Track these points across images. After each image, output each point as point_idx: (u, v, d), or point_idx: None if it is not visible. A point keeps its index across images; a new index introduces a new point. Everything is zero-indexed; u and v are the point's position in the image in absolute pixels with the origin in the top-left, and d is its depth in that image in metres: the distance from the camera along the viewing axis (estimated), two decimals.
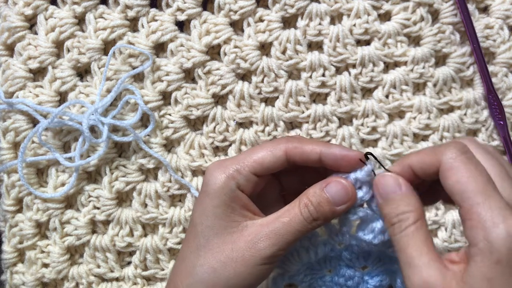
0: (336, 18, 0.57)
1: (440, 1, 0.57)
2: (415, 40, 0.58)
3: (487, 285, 0.34)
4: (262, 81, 0.56)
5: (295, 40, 0.56)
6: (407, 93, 0.57)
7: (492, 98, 0.57)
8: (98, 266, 0.57)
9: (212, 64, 0.56)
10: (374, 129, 0.57)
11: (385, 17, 0.57)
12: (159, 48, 0.57)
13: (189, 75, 0.57)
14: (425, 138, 0.58)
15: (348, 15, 0.56)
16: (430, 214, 0.57)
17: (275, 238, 0.42)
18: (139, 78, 0.56)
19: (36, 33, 0.56)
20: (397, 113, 0.58)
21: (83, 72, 0.57)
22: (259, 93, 0.57)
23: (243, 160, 0.44)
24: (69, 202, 0.57)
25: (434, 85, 0.57)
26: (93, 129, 0.55)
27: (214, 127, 0.57)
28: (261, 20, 0.56)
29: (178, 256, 0.46)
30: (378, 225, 0.43)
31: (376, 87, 0.57)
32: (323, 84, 0.57)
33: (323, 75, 0.57)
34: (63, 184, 0.56)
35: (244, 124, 0.57)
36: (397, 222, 0.39)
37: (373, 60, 0.56)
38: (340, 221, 0.45)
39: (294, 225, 0.42)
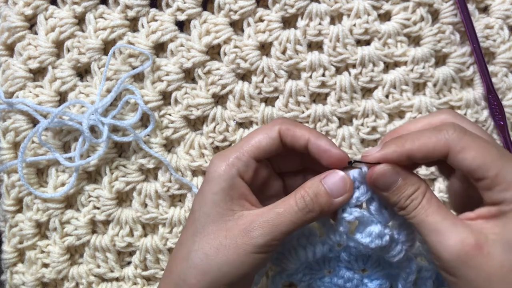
0: (336, 18, 0.57)
1: (440, 1, 0.57)
2: (415, 40, 0.58)
3: None
4: (262, 81, 0.56)
5: (295, 40, 0.56)
6: (407, 93, 0.57)
7: (492, 98, 0.57)
8: (98, 266, 0.57)
9: (212, 64, 0.56)
10: (374, 129, 0.57)
11: (385, 17, 0.57)
12: (159, 48, 0.57)
13: (189, 75, 0.57)
14: None
15: (348, 15, 0.56)
16: None
17: (269, 228, 0.42)
18: (139, 78, 0.56)
19: (36, 33, 0.56)
20: (397, 113, 0.58)
21: (83, 72, 0.57)
22: (259, 93, 0.57)
23: (242, 147, 0.45)
24: (69, 202, 0.57)
25: (434, 85, 0.57)
26: (93, 129, 0.55)
27: (214, 127, 0.57)
28: (261, 20, 0.56)
29: (177, 242, 0.46)
30: (375, 229, 0.43)
31: (376, 87, 0.57)
32: (323, 84, 0.57)
33: (323, 75, 0.57)
34: (63, 184, 0.56)
35: (244, 124, 0.57)
36: (410, 203, 0.40)
37: (373, 60, 0.56)
38: (337, 220, 0.45)
39: (289, 215, 0.42)
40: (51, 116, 0.52)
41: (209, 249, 0.43)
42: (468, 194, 0.43)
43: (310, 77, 0.57)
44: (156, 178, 0.57)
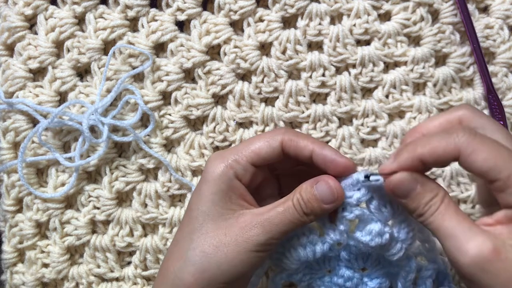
0: (336, 18, 0.57)
1: (440, 1, 0.57)
2: (415, 40, 0.58)
3: None
4: (262, 81, 0.56)
5: (295, 40, 0.56)
6: (407, 93, 0.57)
7: (492, 98, 0.57)
8: (98, 266, 0.57)
9: (212, 64, 0.56)
10: (374, 129, 0.57)
11: (385, 17, 0.57)
12: (159, 48, 0.57)
13: (189, 75, 0.57)
14: None
15: (348, 15, 0.56)
16: None
17: (269, 226, 0.42)
18: (139, 78, 0.56)
19: (36, 33, 0.56)
20: (397, 113, 0.58)
21: (83, 72, 0.57)
22: (259, 93, 0.57)
23: (241, 150, 0.45)
24: (69, 202, 0.57)
25: (434, 85, 0.57)
26: (93, 129, 0.55)
27: (214, 127, 0.57)
28: (261, 20, 0.56)
29: (172, 241, 0.46)
30: (375, 227, 0.43)
31: (376, 87, 0.57)
32: (323, 84, 0.57)
33: (323, 75, 0.57)
34: (63, 184, 0.56)
35: (244, 124, 0.57)
36: (428, 209, 0.40)
37: (373, 60, 0.56)
38: (337, 219, 0.45)
39: (288, 215, 0.42)
40: (51, 116, 0.52)
41: (207, 247, 0.43)
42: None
43: (310, 77, 0.57)
44: (156, 178, 0.57)
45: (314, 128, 0.57)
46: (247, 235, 0.42)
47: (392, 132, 0.57)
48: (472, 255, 0.36)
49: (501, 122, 0.57)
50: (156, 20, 0.56)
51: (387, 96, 0.57)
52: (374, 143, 0.58)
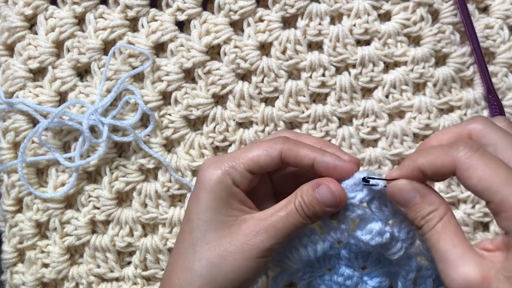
0: (336, 18, 0.57)
1: (440, 1, 0.57)
2: (415, 40, 0.58)
3: None
4: (262, 81, 0.56)
5: (295, 40, 0.56)
6: (407, 93, 0.57)
7: (492, 98, 0.57)
8: (98, 266, 0.57)
9: (212, 64, 0.56)
10: (374, 129, 0.57)
11: (385, 17, 0.57)
12: (159, 48, 0.57)
13: (189, 75, 0.57)
14: (425, 138, 0.58)
15: (348, 15, 0.56)
16: None
17: (274, 232, 0.42)
18: (139, 78, 0.56)
19: (36, 33, 0.56)
20: (397, 113, 0.58)
21: (83, 72, 0.57)
22: (259, 93, 0.57)
23: (238, 157, 0.44)
24: (69, 202, 0.57)
25: (434, 85, 0.57)
26: (93, 129, 0.55)
27: (214, 127, 0.57)
28: (261, 20, 0.56)
29: (173, 251, 0.46)
30: (376, 226, 0.43)
31: (376, 87, 0.57)
32: (323, 84, 0.57)
33: (323, 75, 0.57)
34: (63, 184, 0.56)
35: (244, 124, 0.57)
36: (425, 223, 0.39)
37: (373, 60, 0.56)
38: (338, 218, 0.45)
39: (291, 219, 0.42)
40: (51, 116, 0.52)
41: (213, 258, 0.42)
42: None
43: (310, 77, 0.57)
44: (156, 178, 0.57)
45: (314, 128, 0.57)
46: (252, 242, 0.42)
47: (392, 132, 0.57)
48: (459, 283, 0.36)
49: None
50: (156, 20, 0.56)
51: (387, 96, 0.57)
52: (374, 143, 0.58)
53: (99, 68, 0.56)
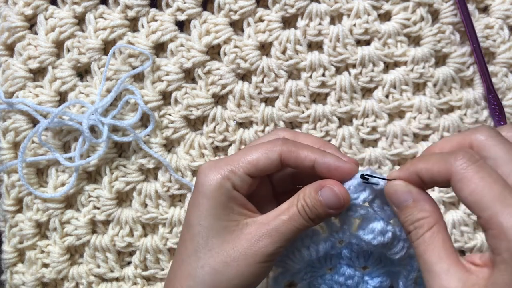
0: (336, 18, 0.57)
1: (440, 1, 0.57)
2: (415, 40, 0.58)
3: None
4: (262, 81, 0.56)
5: (295, 40, 0.56)
6: (407, 93, 0.57)
7: (492, 98, 0.57)
8: (98, 266, 0.57)
9: (212, 64, 0.56)
10: (374, 129, 0.57)
11: (385, 17, 0.57)
12: (159, 48, 0.57)
13: (189, 75, 0.57)
14: (425, 138, 0.58)
15: (348, 15, 0.56)
16: None
17: (277, 236, 0.42)
18: (139, 78, 0.56)
19: (36, 33, 0.56)
20: (397, 113, 0.58)
21: (83, 72, 0.57)
22: (259, 93, 0.57)
23: (237, 161, 0.43)
24: (69, 202, 0.57)
25: (434, 85, 0.57)
26: (93, 129, 0.55)
27: (214, 127, 0.57)
28: (261, 20, 0.56)
29: (175, 258, 0.45)
30: (378, 226, 0.43)
31: (376, 87, 0.57)
32: (323, 84, 0.57)
33: (323, 75, 0.57)
34: (63, 184, 0.56)
35: (244, 124, 0.57)
36: (413, 229, 0.39)
37: (373, 60, 0.56)
38: (341, 218, 0.45)
39: (294, 222, 0.42)
40: (51, 116, 0.52)
41: (216, 264, 0.42)
42: None
43: (310, 77, 0.57)
44: (156, 178, 0.57)
45: (314, 128, 0.57)
46: (256, 247, 0.42)
47: (392, 132, 0.57)
48: None
49: (501, 122, 0.57)
50: (156, 20, 0.56)
51: (387, 96, 0.57)
52: (374, 143, 0.58)
53: (99, 68, 0.56)
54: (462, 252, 0.57)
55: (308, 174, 0.44)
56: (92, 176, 0.57)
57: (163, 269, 0.57)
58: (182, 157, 0.57)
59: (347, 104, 0.57)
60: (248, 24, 0.56)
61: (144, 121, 0.56)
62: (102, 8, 0.56)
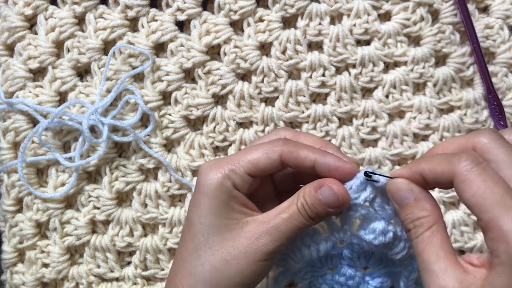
0: (336, 18, 0.57)
1: (440, 1, 0.57)
2: (415, 40, 0.58)
3: None
4: (262, 81, 0.56)
5: (295, 40, 0.56)
6: (407, 93, 0.57)
7: (492, 98, 0.57)
8: (98, 266, 0.57)
9: (212, 64, 0.56)
10: (374, 129, 0.57)
11: (385, 17, 0.57)
12: (159, 48, 0.57)
13: (189, 75, 0.57)
14: (425, 138, 0.58)
15: (348, 15, 0.56)
16: None
17: (277, 234, 0.42)
18: (139, 78, 0.56)
19: (36, 33, 0.56)
20: (397, 113, 0.58)
21: (83, 72, 0.57)
22: (259, 93, 0.57)
23: (238, 160, 0.44)
24: (69, 202, 0.57)
25: (434, 85, 0.57)
26: (93, 129, 0.55)
27: (214, 127, 0.57)
28: (261, 20, 0.56)
29: (176, 257, 0.46)
30: (379, 226, 0.43)
31: (376, 87, 0.57)
32: (323, 84, 0.57)
33: (323, 75, 0.57)
34: (63, 184, 0.56)
35: (244, 124, 0.57)
36: (412, 228, 0.39)
37: (373, 60, 0.56)
38: (341, 218, 0.45)
39: (294, 221, 0.42)
40: (51, 116, 0.52)
41: (217, 262, 0.42)
42: None
43: (310, 77, 0.57)
44: (156, 178, 0.57)
45: (314, 128, 0.57)
46: (256, 245, 0.42)
47: (392, 132, 0.57)
48: None
49: (501, 122, 0.57)
50: (156, 20, 0.56)
51: (387, 96, 0.57)
52: (374, 143, 0.58)
53: (99, 68, 0.56)
54: (462, 252, 0.57)
55: (310, 174, 0.44)
56: (92, 176, 0.57)
57: (163, 269, 0.57)
58: (182, 157, 0.57)
59: (347, 104, 0.57)
60: (248, 24, 0.56)
61: (144, 121, 0.56)
62: (102, 8, 0.56)
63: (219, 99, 0.58)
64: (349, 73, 0.57)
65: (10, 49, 0.56)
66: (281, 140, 0.45)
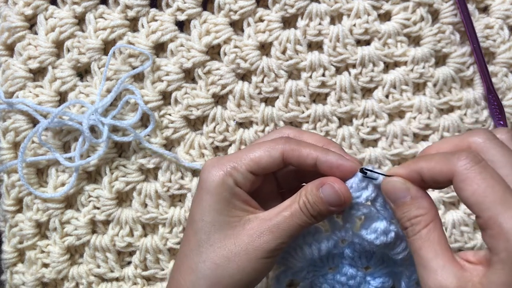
0: (336, 18, 0.57)
1: (440, 1, 0.57)
2: (415, 40, 0.58)
3: None
4: (262, 81, 0.56)
5: (295, 40, 0.56)
6: (407, 93, 0.57)
7: (492, 98, 0.57)
8: (98, 266, 0.57)
9: (212, 64, 0.56)
10: (374, 129, 0.57)
11: (385, 17, 0.57)
12: (159, 48, 0.57)
13: (189, 75, 0.57)
14: (425, 138, 0.58)
15: (348, 15, 0.56)
16: None
17: (278, 232, 0.42)
18: (139, 78, 0.56)
19: (36, 33, 0.56)
20: (397, 113, 0.58)
21: (83, 72, 0.57)
22: (259, 93, 0.57)
23: (240, 158, 0.44)
24: (69, 202, 0.57)
25: (434, 85, 0.57)
26: (93, 129, 0.55)
27: (214, 127, 0.57)
28: (261, 20, 0.56)
29: (179, 254, 0.46)
30: (381, 225, 0.43)
31: (376, 87, 0.57)
32: (323, 84, 0.57)
33: (323, 75, 0.57)
34: (63, 184, 0.56)
35: (244, 124, 0.57)
36: (409, 226, 0.39)
37: (373, 60, 0.56)
38: (343, 216, 0.45)
39: (295, 219, 0.42)
40: (51, 116, 0.52)
41: (218, 259, 0.42)
42: None
43: (310, 77, 0.57)
44: (156, 178, 0.57)
45: (314, 128, 0.57)
46: (257, 243, 0.42)
47: (392, 132, 0.57)
48: None
49: (501, 122, 0.57)
50: (156, 20, 0.56)
51: (387, 96, 0.57)
52: (374, 143, 0.58)
53: (99, 68, 0.56)
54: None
55: (312, 172, 0.44)
56: (92, 176, 0.57)
57: (163, 269, 0.57)
58: (182, 157, 0.57)
59: (347, 104, 0.57)
60: (248, 24, 0.56)
61: (144, 121, 0.56)
62: (102, 8, 0.56)
63: (219, 99, 0.58)
64: (349, 73, 0.57)
65: (10, 49, 0.56)
66: (283, 138, 0.45)
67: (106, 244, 0.56)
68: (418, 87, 0.58)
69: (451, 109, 0.58)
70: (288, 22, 0.57)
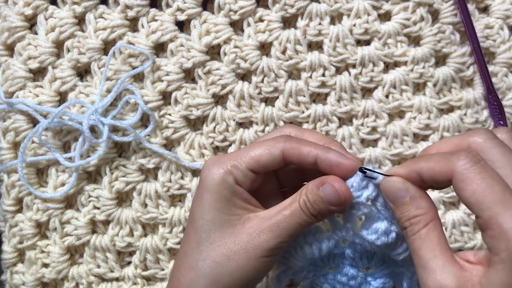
0: (336, 18, 0.57)
1: (440, 1, 0.57)
2: (415, 40, 0.58)
3: None
4: (262, 81, 0.56)
5: (295, 40, 0.56)
6: (407, 93, 0.57)
7: (492, 98, 0.57)
8: (98, 266, 0.57)
9: (212, 64, 0.56)
10: (374, 129, 0.57)
11: (385, 17, 0.57)
12: (159, 48, 0.57)
13: (189, 75, 0.57)
14: (425, 138, 0.58)
15: (348, 15, 0.56)
16: None
17: (278, 231, 0.42)
18: (139, 78, 0.56)
19: (36, 33, 0.56)
20: (397, 113, 0.58)
21: (83, 72, 0.57)
22: (259, 93, 0.57)
23: (240, 156, 0.44)
24: (69, 202, 0.57)
25: (434, 85, 0.57)
26: (93, 129, 0.55)
27: (214, 127, 0.57)
28: (261, 20, 0.56)
29: (179, 253, 0.46)
30: (382, 226, 0.43)
31: (376, 87, 0.57)
32: (323, 84, 0.57)
33: (323, 75, 0.57)
34: (63, 184, 0.56)
35: (244, 124, 0.57)
36: (409, 226, 0.39)
37: (373, 60, 0.56)
38: (344, 216, 0.45)
39: (296, 218, 0.42)
40: (51, 116, 0.52)
41: (218, 257, 0.42)
42: None
43: (310, 77, 0.57)
44: (156, 178, 0.57)
45: (314, 128, 0.57)
46: (257, 241, 0.42)
47: (392, 132, 0.57)
48: None
49: (501, 122, 0.57)
50: (156, 20, 0.56)
51: (387, 96, 0.57)
52: (374, 143, 0.58)
53: (99, 68, 0.56)
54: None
55: (313, 171, 0.44)
56: (92, 176, 0.57)
57: (163, 269, 0.57)
58: (182, 157, 0.57)
59: (347, 104, 0.57)
60: (248, 24, 0.56)
61: (144, 121, 0.56)
62: (102, 8, 0.56)
63: (219, 99, 0.58)
64: (349, 73, 0.57)
65: (10, 49, 0.56)
66: (284, 136, 0.45)
67: (106, 244, 0.56)
68: (418, 87, 0.58)
69: (451, 109, 0.58)
70: (288, 22, 0.57)
